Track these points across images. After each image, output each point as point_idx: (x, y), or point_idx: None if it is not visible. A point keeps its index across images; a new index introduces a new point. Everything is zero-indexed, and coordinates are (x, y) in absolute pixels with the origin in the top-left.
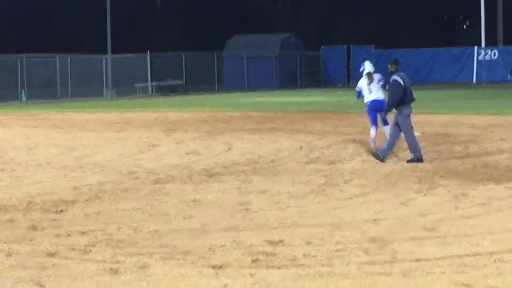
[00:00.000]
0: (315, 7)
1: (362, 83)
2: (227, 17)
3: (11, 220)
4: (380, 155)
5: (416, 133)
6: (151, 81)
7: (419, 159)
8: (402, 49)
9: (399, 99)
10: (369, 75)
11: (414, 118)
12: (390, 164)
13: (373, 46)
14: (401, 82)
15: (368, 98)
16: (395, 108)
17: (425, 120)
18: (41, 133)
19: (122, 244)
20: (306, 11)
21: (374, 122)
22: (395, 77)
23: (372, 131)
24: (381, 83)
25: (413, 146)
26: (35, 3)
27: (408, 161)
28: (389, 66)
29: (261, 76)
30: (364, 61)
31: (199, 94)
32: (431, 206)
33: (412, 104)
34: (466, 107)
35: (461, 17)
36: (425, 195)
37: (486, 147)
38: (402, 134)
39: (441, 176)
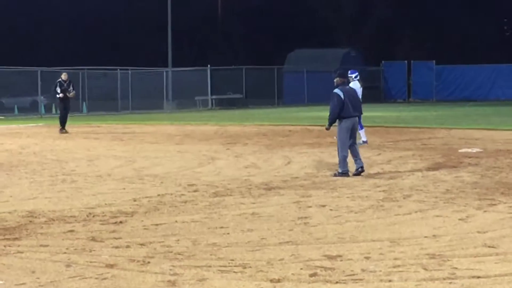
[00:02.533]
0: (376, 22)
1: (358, 85)
2: (288, 31)
3: (71, 231)
4: (340, 170)
5: (360, 141)
6: (211, 94)
7: (343, 174)
8: (463, 65)
9: (338, 112)
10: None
11: (476, 134)
12: (450, 180)
13: (434, 61)
14: (341, 95)
15: None
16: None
17: (487, 136)
18: (101, 145)
19: (181, 256)
20: (367, 25)
21: None
22: (336, 90)
23: None
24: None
25: (341, 160)
26: (97, 16)
27: (335, 175)
28: (335, 79)
29: (321, 91)
30: (425, 76)
31: (258, 108)
32: (491, 223)
33: (355, 119)
34: None
35: None
36: (485, 211)
37: None
38: (359, 141)
39: (502, 193)
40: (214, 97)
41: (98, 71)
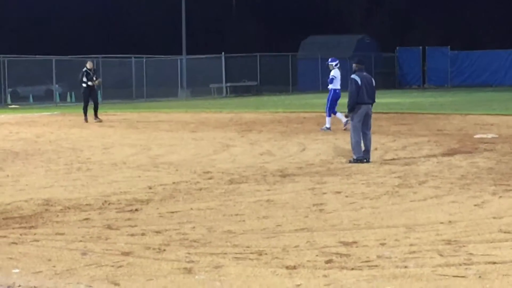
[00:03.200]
0: (390, 7)
1: (338, 73)
2: (302, 18)
3: (86, 219)
4: (355, 157)
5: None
6: (226, 82)
7: (358, 160)
8: (478, 50)
9: (355, 98)
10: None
11: (491, 119)
12: (465, 166)
13: (449, 47)
14: (358, 81)
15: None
16: None
17: (502, 121)
18: (116, 133)
19: (196, 243)
20: (381, 12)
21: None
22: (353, 75)
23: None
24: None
25: (354, 145)
26: (110, 4)
27: (350, 162)
28: (353, 65)
29: None
30: (440, 62)
31: (273, 95)
32: (507, 208)
33: (369, 106)
34: None
35: None
36: (500, 197)
37: None
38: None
39: None
40: (228, 84)
41: (112, 59)
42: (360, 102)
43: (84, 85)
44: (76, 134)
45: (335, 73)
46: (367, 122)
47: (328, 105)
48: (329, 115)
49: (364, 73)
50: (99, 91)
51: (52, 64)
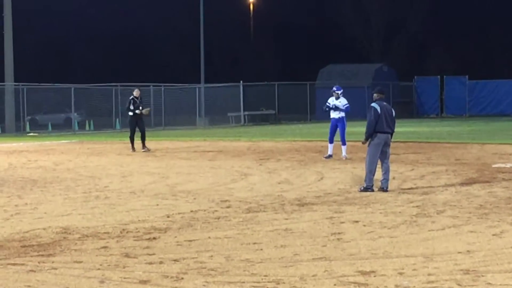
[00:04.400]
0: (408, 37)
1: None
2: (320, 47)
3: (104, 247)
4: (365, 185)
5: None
6: (244, 110)
7: (367, 189)
8: (496, 79)
9: (374, 126)
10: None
11: (510, 149)
12: (483, 195)
13: (467, 76)
14: (378, 109)
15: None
16: None
17: None
18: (135, 161)
19: (214, 272)
20: (399, 41)
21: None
22: (373, 104)
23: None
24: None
25: (368, 174)
26: (130, 33)
27: (360, 190)
28: (374, 94)
29: (354, 106)
30: (458, 91)
31: (291, 123)
32: None
33: (388, 136)
34: None
35: None
36: None
37: None
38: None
39: None
40: (246, 113)
41: (131, 88)
42: (379, 131)
43: (130, 113)
44: (95, 162)
45: (343, 101)
46: (386, 152)
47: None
48: (332, 142)
49: (385, 103)
50: (117, 119)
51: (71, 92)
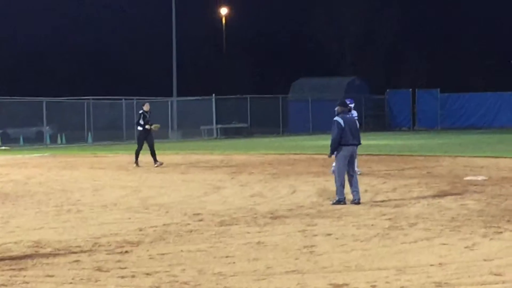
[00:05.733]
0: (380, 50)
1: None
2: (293, 60)
3: (76, 261)
4: (337, 198)
5: (359, 172)
6: (216, 123)
7: (340, 201)
8: (468, 93)
9: (339, 140)
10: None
11: (481, 161)
12: (455, 208)
13: (439, 89)
14: (342, 123)
15: None
16: None
17: (492, 164)
18: (107, 174)
19: (187, 286)
20: (371, 54)
21: None
22: (336, 118)
23: None
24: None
25: (338, 187)
26: (101, 46)
27: (333, 203)
28: (336, 108)
29: (326, 119)
30: (430, 105)
31: (264, 137)
32: (497, 251)
33: (354, 148)
34: None
35: None
36: (491, 239)
37: None
38: (356, 171)
39: (508, 221)
40: (219, 126)
41: (103, 101)
42: (344, 144)
43: (140, 128)
44: (67, 175)
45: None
46: (353, 163)
47: None
48: None
49: (348, 115)
50: (89, 133)
51: (43, 105)
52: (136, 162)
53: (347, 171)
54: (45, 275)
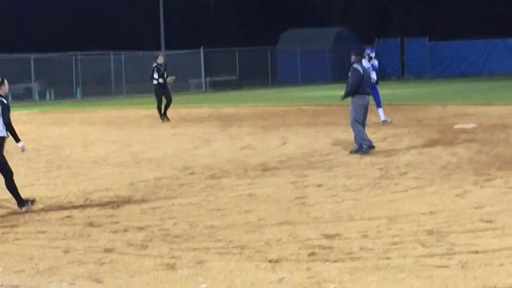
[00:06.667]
0: (368, 1)
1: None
2: (280, 12)
3: (68, 217)
4: (365, 146)
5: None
6: (205, 77)
7: (370, 148)
8: (456, 40)
9: (357, 87)
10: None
11: (471, 109)
12: (446, 156)
13: (427, 38)
14: (361, 71)
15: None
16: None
17: (482, 111)
18: (97, 130)
19: (179, 239)
20: (359, 4)
21: None
22: (356, 65)
23: None
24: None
25: (361, 134)
26: (89, 2)
27: (351, 152)
28: (352, 56)
29: (315, 70)
30: (418, 53)
31: (253, 89)
32: (488, 198)
33: (368, 97)
34: None
35: None
36: (481, 186)
37: None
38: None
39: (498, 168)
40: (208, 79)
41: (91, 57)
42: (362, 93)
43: (155, 82)
44: (56, 132)
45: (375, 62)
46: (366, 114)
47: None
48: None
49: (364, 65)
50: (78, 89)
51: (31, 61)
52: (161, 117)
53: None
54: (37, 231)
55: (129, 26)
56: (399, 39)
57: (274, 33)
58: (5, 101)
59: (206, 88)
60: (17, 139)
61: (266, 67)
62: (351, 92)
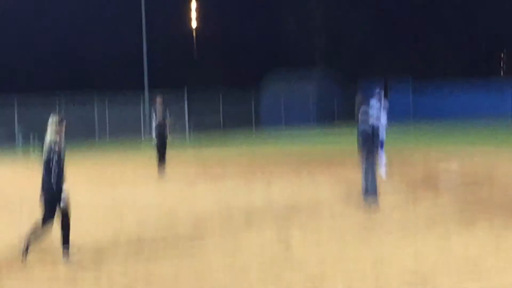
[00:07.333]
0: (352, 42)
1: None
2: (263, 55)
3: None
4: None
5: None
6: (189, 120)
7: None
8: (440, 81)
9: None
10: None
11: (455, 150)
12: (430, 198)
13: (411, 79)
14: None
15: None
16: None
17: (466, 152)
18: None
19: None
20: (342, 47)
21: None
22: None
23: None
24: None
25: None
26: (70, 42)
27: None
28: (358, 96)
29: (298, 112)
30: (401, 94)
31: (237, 131)
32: (473, 241)
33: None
34: (507, 139)
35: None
36: (466, 230)
37: None
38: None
39: (482, 210)
40: (191, 125)
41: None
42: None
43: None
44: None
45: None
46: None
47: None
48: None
49: (373, 104)
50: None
51: (14, 103)
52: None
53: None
54: None
55: (113, 70)
56: (383, 79)
57: (258, 74)
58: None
59: (190, 131)
60: None
61: (250, 109)
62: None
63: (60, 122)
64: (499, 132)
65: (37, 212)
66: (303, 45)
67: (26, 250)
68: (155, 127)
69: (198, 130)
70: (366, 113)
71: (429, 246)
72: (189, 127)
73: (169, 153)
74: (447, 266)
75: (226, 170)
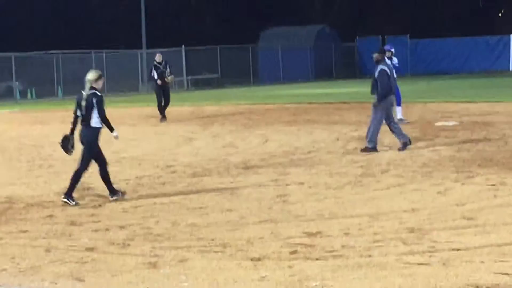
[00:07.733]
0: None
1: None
2: (261, 9)
3: (50, 216)
4: (370, 146)
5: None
6: (186, 75)
7: (373, 149)
8: (437, 38)
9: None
10: None
11: (452, 107)
12: (427, 154)
13: (408, 35)
14: (387, 71)
15: None
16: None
17: (462, 109)
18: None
19: (161, 237)
20: (340, 3)
21: None
22: (381, 66)
23: None
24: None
25: (375, 135)
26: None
27: (362, 150)
28: (375, 55)
29: (296, 68)
30: (399, 51)
31: (234, 87)
32: (469, 195)
33: (392, 97)
34: (503, 95)
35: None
36: (463, 184)
37: None
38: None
39: (479, 165)
40: (189, 77)
41: (72, 55)
42: (388, 94)
43: (154, 81)
44: (37, 130)
45: (394, 60)
46: (391, 113)
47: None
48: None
49: (388, 63)
50: (59, 87)
51: (12, 60)
52: (161, 118)
53: (390, 120)
54: (19, 231)
55: (111, 26)
56: (379, 36)
57: (255, 31)
58: (99, 94)
59: (188, 86)
60: (111, 129)
61: (248, 65)
62: (384, 95)
63: (97, 78)
64: (495, 88)
65: (32, 157)
66: (301, 2)
67: (112, 189)
68: (156, 83)
69: (196, 86)
70: (382, 73)
71: (426, 200)
72: (187, 84)
73: (167, 109)
74: (444, 220)
75: (224, 125)
